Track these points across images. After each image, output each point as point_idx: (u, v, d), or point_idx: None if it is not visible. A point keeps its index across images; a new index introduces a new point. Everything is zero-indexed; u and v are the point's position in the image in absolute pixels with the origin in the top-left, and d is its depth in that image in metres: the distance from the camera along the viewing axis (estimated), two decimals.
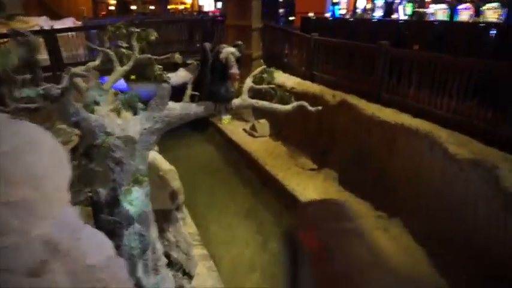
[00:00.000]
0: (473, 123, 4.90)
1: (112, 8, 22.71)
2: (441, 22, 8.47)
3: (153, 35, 4.65)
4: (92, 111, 3.35)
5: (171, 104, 3.61)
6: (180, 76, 11.44)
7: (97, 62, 4.35)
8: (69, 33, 8.77)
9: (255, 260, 5.64)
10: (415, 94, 5.75)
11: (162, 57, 4.51)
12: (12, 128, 2.34)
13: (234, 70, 3.49)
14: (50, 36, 8.12)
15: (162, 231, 4.39)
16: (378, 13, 17.34)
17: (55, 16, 14.31)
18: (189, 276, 4.20)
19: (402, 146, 5.49)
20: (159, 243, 4.06)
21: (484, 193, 4.19)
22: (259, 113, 9.13)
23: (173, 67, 10.85)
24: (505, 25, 7.71)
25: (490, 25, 6.97)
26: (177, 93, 3.83)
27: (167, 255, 4.31)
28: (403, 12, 16.81)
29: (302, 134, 8.07)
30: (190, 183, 7.73)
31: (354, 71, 7.01)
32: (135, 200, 3.00)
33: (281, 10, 15.64)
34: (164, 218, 4.35)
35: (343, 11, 18.49)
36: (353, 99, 6.55)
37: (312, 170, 7.32)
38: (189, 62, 4.91)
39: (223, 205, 7.06)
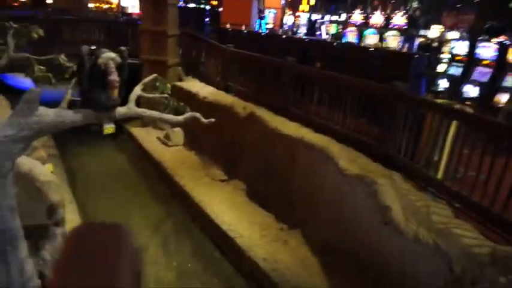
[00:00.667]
0: (363, 140, 5.22)
1: None
2: (339, 44, 9.08)
3: (37, 32, 4.27)
4: None
5: (43, 110, 3.27)
6: None
7: None
8: None
9: (157, 276, 5.36)
10: (317, 109, 6.00)
11: (43, 57, 4.13)
12: None
13: (113, 77, 3.28)
14: None
15: (37, 249, 3.96)
16: (303, 30, 18.17)
17: None
18: None
19: (302, 160, 5.67)
20: (30, 263, 3.64)
21: (367, 207, 4.45)
22: None
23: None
24: (385, 51, 8.54)
25: (376, 50, 7.65)
26: None
27: (42, 275, 3.89)
28: (325, 32, 17.79)
29: (215, 144, 8.00)
30: (92, 195, 7.23)
31: (265, 84, 7.15)
32: None
33: (207, 19, 15.66)
34: (40, 235, 3.93)
35: (270, 26, 19.06)
36: (261, 112, 6.65)
37: (222, 180, 7.27)
38: None
39: (127, 216, 6.64)
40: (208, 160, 7.97)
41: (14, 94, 4.53)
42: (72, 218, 5.54)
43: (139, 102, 3.93)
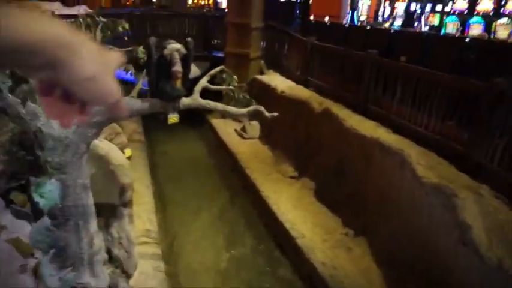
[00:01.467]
0: (449, 145, 4.59)
1: None
2: (429, 35, 8.01)
3: (122, 26, 4.58)
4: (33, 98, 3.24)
5: None
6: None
7: None
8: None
9: (216, 266, 5.48)
10: (398, 108, 5.46)
11: (123, 49, 4.43)
12: None
13: (177, 68, 3.36)
14: None
15: (106, 226, 4.32)
16: (398, 22, 16.84)
17: (73, 2, 14.62)
18: (127, 275, 4.11)
19: (377, 162, 5.22)
20: (98, 238, 3.98)
21: (445, 222, 3.90)
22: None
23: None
24: (484, 42, 7.23)
25: (473, 41, 6.54)
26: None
27: (109, 251, 4.23)
28: (425, 23, 16.23)
29: (290, 139, 7.85)
30: (168, 179, 7.70)
31: (345, 80, 6.76)
32: (48, 192, 2.91)
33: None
34: (110, 213, 4.27)
35: (363, 17, 18.05)
36: (337, 109, 6.31)
37: (292, 177, 7.10)
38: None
39: (197, 204, 6.93)
40: (281, 155, 7.86)
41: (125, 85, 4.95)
42: (148, 201, 5.97)
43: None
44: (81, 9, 11.77)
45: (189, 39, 3.57)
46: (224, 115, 9.66)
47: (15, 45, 0.43)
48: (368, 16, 17.85)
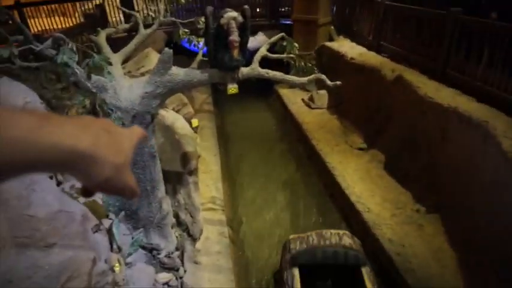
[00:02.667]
0: None
1: None
2: None
3: None
4: (100, 73, 3.46)
5: (175, 70, 3.61)
6: (258, 40, 11.38)
7: (127, 26, 4.53)
8: None
9: (278, 234, 5.56)
10: (484, 73, 4.80)
11: (185, 21, 4.50)
12: None
13: (233, 37, 3.30)
14: None
15: (174, 193, 4.58)
16: None
17: None
18: (193, 239, 4.35)
19: (455, 134, 4.72)
20: (166, 203, 4.26)
21: None
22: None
23: (254, 31, 10.84)
24: None
25: None
26: (253, 56, 3.81)
27: (176, 215, 4.51)
28: None
29: (360, 109, 7.45)
30: (237, 149, 7.89)
31: (421, 43, 6.11)
32: None
33: None
34: (177, 180, 4.51)
35: None
36: (411, 75, 5.77)
37: (361, 149, 6.78)
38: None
39: (262, 173, 7.03)
40: (350, 126, 7.53)
41: (189, 56, 5.09)
42: (215, 169, 6.19)
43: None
44: None
45: (246, 6, 3.47)
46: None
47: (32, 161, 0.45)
48: None
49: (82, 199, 3.19)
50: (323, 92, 8.62)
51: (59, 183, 3.40)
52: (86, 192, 0.54)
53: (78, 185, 3.35)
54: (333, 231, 4.18)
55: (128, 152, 0.54)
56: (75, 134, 0.48)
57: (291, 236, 4.28)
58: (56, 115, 0.49)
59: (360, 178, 5.90)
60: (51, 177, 2.88)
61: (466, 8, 5.14)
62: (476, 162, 4.31)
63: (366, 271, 3.79)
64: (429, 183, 5.13)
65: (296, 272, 3.81)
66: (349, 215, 5.54)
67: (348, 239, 4.06)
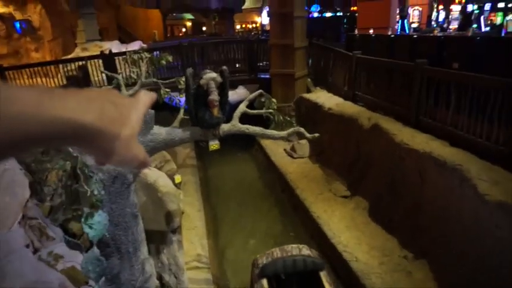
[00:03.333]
0: None
1: (185, 29, 24.40)
2: (483, 37, 7.30)
3: (165, 59, 4.83)
4: None
5: (156, 129, 3.67)
6: (238, 94, 11.76)
7: (109, 87, 4.65)
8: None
9: None
10: (453, 119, 5.06)
11: (167, 81, 4.66)
12: None
13: (213, 96, 3.43)
14: (108, 58, 8.96)
15: (157, 253, 4.45)
16: (454, 26, 15.88)
17: (130, 39, 15.84)
18: None
19: (433, 179, 4.84)
20: (149, 264, 4.11)
21: None
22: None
23: (234, 85, 11.21)
24: None
25: None
26: (234, 110, 3.94)
27: (160, 277, 4.34)
28: (485, 24, 15.16)
29: (341, 157, 7.61)
30: (221, 202, 7.82)
31: (393, 92, 6.45)
32: (97, 224, 3.07)
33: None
34: (160, 240, 4.40)
35: (415, 24, 17.28)
36: (387, 123, 6.01)
37: (344, 197, 6.83)
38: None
39: (248, 226, 6.94)
40: (332, 174, 7.64)
41: (171, 111, 5.19)
42: (199, 225, 6.08)
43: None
44: (136, 45, 12.70)
45: (224, 67, 3.64)
46: None
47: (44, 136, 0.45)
48: (420, 23, 17.07)
49: (60, 266, 3.06)
50: (304, 141, 8.82)
51: (35, 251, 3.28)
52: (98, 162, 0.53)
53: (56, 251, 3.20)
54: (293, 245, 4.68)
55: (135, 123, 0.52)
56: (80, 107, 0.47)
57: (258, 255, 4.73)
58: (59, 89, 0.48)
59: (346, 226, 5.88)
60: (27, 246, 2.78)
61: (431, 59, 5.51)
62: (456, 205, 4.40)
63: (323, 274, 4.27)
64: (413, 228, 5.15)
65: (264, 281, 4.25)
66: (336, 266, 5.44)
67: (306, 250, 4.56)
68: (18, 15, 15.85)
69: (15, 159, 3.26)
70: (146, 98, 0.58)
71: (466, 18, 15.44)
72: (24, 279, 2.23)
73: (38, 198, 3.34)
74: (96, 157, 0.52)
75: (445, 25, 17.30)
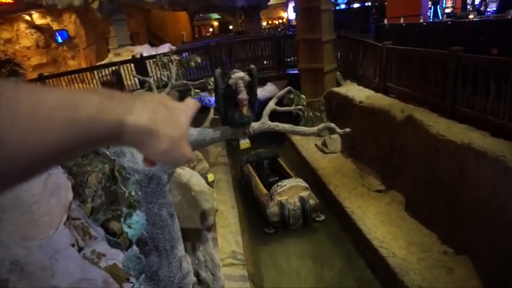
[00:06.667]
0: None
1: (212, 29, 24.63)
2: None
3: (194, 61, 4.91)
4: None
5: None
6: (267, 90, 11.78)
7: (142, 91, 4.79)
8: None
9: (301, 283, 5.38)
10: (494, 108, 4.81)
11: (196, 82, 4.74)
12: None
13: (242, 96, 3.45)
14: (140, 62, 9.23)
15: (193, 250, 4.55)
16: (491, 9, 15.01)
17: (160, 42, 16.21)
18: None
19: (473, 171, 4.63)
20: (186, 261, 4.22)
21: None
22: None
23: (263, 82, 11.24)
24: None
25: None
26: (263, 107, 3.98)
27: (197, 273, 4.45)
28: None
29: (374, 151, 7.45)
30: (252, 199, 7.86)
31: (426, 82, 6.22)
32: (135, 223, 3.19)
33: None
34: (196, 237, 4.50)
35: (449, 10, 16.52)
36: (421, 115, 5.81)
37: (379, 191, 6.68)
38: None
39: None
40: (365, 168, 7.49)
41: (201, 112, 5.32)
42: (233, 222, 6.15)
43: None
44: (166, 48, 12.98)
45: (251, 66, 3.65)
46: None
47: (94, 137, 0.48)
48: (454, 7, 16.28)
49: (102, 264, 3.21)
50: (335, 136, 8.68)
51: (80, 249, 3.45)
52: (148, 161, 0.57)
53: (99, 249, 3.34)
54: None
55: (184, 125, 0.56)
56: (136, 110, 0.50)
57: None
58: (118, 93, 0.52)
59: (381, 221, 5.76)
60: (72, 245, 2.94)
61: (467, 46, 5.27)
62: (499, 198, 4.20)
63: (280, 159, 8.60)
64: (453, 222, 4.97)
65: (248, 165, 8.32)
66: (373, 261, 5.35)
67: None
68: (55, 26, 16.65)
69: None
70: (193, 103, 0.62)
71: None
72: (71, 277, 2.36)
73: (80, 199, 3.51)
74: (149, 156, 0.55)
75: (482, 8, 16.40)
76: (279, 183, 6.82)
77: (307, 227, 6.71)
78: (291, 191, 6.66)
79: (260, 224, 6.84)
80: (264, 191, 7.00)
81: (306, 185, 6.81)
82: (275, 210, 6.54)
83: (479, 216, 4.57)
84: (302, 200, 6.59)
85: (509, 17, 5.93)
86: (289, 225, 6.56)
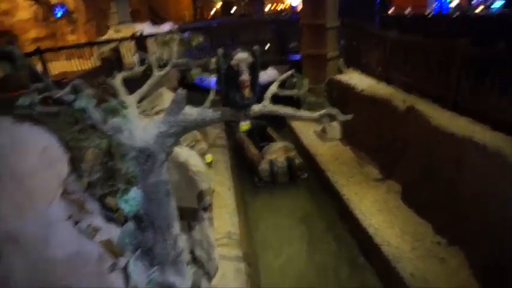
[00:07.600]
0: None
1: (215, 10, 24.29)
2: None
3: (196, 40, 4.83)
4: (116, 116, 3.56)
5: (188, 109, 3.69)
6: (268, 75, 11.66)
7: (141, 68, 4.72)
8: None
9: (295, 271, 5.43)
10: (498, 101, 4.78)
11: (198, 61, 4.66)
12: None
13: (244, 77, 3.39)
14: (139, 40, 9.09)
15: (189, 229, 4.56)
16: (497, 4, 14.85)
17: (161, 20, 15.96)
18: (208, 276, 4.28)
19: (472, 164, 4.63)
20: (181, 239, 4.23)
21: None
22: None
23: (264, 66, 11.12)
24: None
25: None
26: (264, 91, 3.89)
27: (192, 252, 4.47)
28: None
29: (374, 140, 7.43)
30: (251, 181, 7.88)
31: (430, 74, 6.16)
32: (131, 200, 3.17)
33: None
34: (192, 217, 4.51)
35: (456, 2, 16.34)
36: (423, 106, 5.78)
37: (376, 180, 6.70)
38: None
39: (277, 206, 6.99)
40: (364, 157, 7.49)
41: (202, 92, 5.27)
42: (229, 203, 6.17)
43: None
44: (167, 27, 12.77)
45: (255, 47, 3.57)
46: None
47: None
48: (460, 1, 16.10)
49: (97, 238, 3.20)
50: (335, 123, 8.63)
51: (76, 223, 3.44)
52: None
53: (94, 223, 3.32)
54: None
55: None
56: None
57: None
58: None
59: (377, 210, 5.79)
60: (68, 218, 2.92)
61: (473, 39, 5.19)
62: (497, 191, 4.20)
63: (269, 129, 9.33)
64: (449, 213, 4.99)
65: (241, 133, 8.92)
66: (367, 249, 5.39)
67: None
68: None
69: (55, 137, 3.39)
70: None
71: None
72: (66, 249, 2.35)
73: (77, 174, 3.48)
74: None
75: (488, 2, 16.22)
76: (270, 145, 7.99)
77: (293, 182, 7.69)
78: (279, 151, 7.76)
79: (251, 181, 7.81)
80: (256, 151, 8.14)
81: (293, 146, 7.94)
82: (266, 167, 7.61)
83: (475, 208, 4.59)
84: (289, 159, 7.64)
85: None
86: (277, 181, 7.61)
